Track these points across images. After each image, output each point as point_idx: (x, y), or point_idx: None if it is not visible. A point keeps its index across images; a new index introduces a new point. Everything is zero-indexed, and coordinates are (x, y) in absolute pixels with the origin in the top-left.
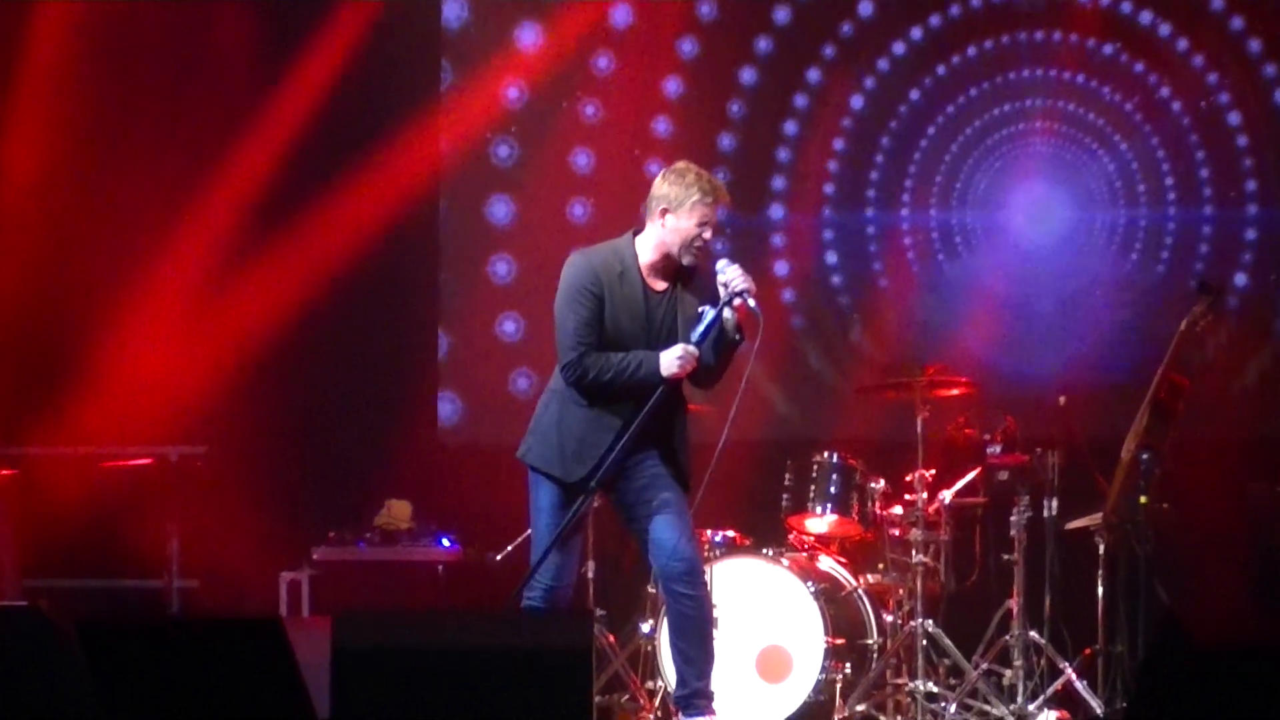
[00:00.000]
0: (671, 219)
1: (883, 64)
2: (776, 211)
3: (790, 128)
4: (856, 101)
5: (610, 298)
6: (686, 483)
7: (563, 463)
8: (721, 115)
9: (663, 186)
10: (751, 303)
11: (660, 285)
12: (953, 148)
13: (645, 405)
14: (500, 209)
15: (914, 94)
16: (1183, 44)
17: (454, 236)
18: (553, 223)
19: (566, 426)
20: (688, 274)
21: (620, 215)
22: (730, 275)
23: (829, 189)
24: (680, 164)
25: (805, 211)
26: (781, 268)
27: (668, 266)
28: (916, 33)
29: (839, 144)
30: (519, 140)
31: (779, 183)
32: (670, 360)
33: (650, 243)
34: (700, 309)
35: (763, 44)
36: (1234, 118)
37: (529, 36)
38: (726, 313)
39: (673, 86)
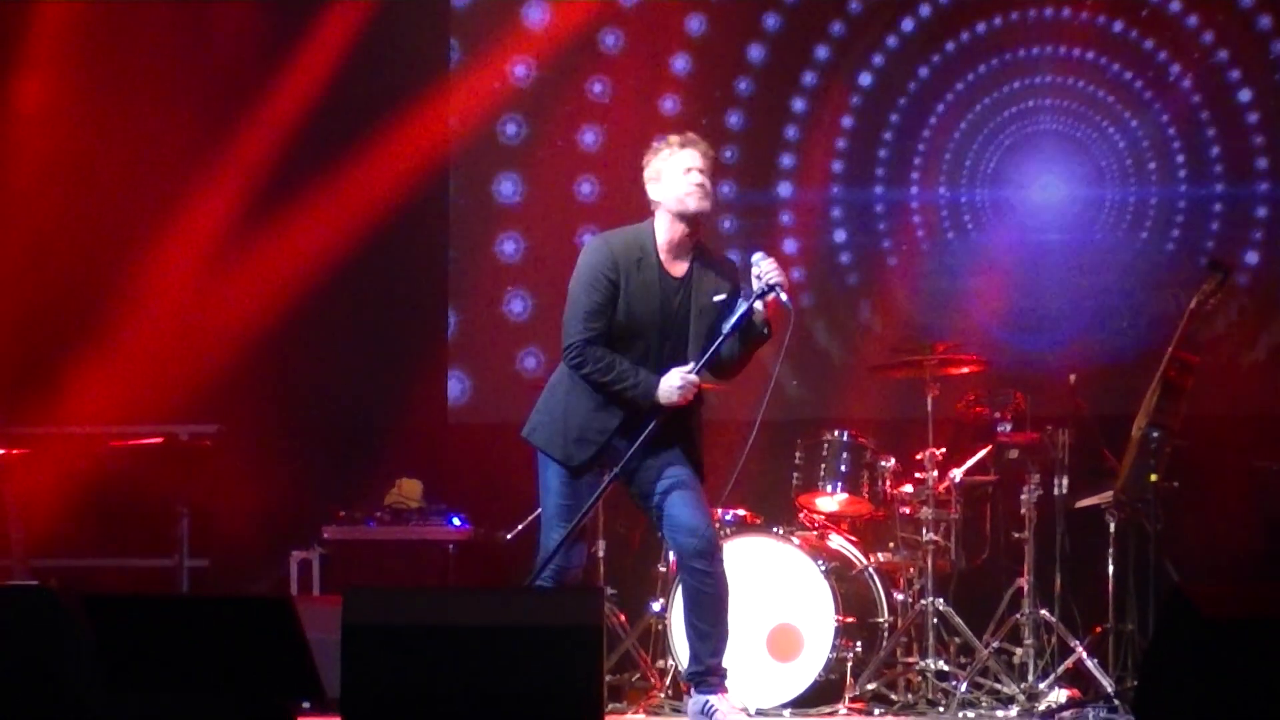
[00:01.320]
0: (660, 186)
1: (891, 41)
2: (785, 189)
3: (798, 105)
4: (865, 79)
5: (626, 284)
6: (700, 462)
7: (565, 447)
8: (730, 93)
9: (645, 166)
10: (784, 297)
11: (679, 270)
12: (961, 125)
13: (642, 430)
14: (508, 187)
15: (923, 71)
16: (1192, 20)
17: (462, 215)
18: (561, 201)
19: (572, 410)
20: (705, 257)
21: (628, 194)
22: (765, 269)
23: (837, 166)
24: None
25: (814, 189)
26: (790, 245)
27: (685, 244)
28: (925, 9)
29: (847, 121)
30: (527, 119)
31: (787, 160)
32: (670, 389)
33: (662, 223)
34: (718, 298)
35: (771, 21)
36: (1244, 94)
37: (536, 14)
38: (758, 305)
39: (681, 64)
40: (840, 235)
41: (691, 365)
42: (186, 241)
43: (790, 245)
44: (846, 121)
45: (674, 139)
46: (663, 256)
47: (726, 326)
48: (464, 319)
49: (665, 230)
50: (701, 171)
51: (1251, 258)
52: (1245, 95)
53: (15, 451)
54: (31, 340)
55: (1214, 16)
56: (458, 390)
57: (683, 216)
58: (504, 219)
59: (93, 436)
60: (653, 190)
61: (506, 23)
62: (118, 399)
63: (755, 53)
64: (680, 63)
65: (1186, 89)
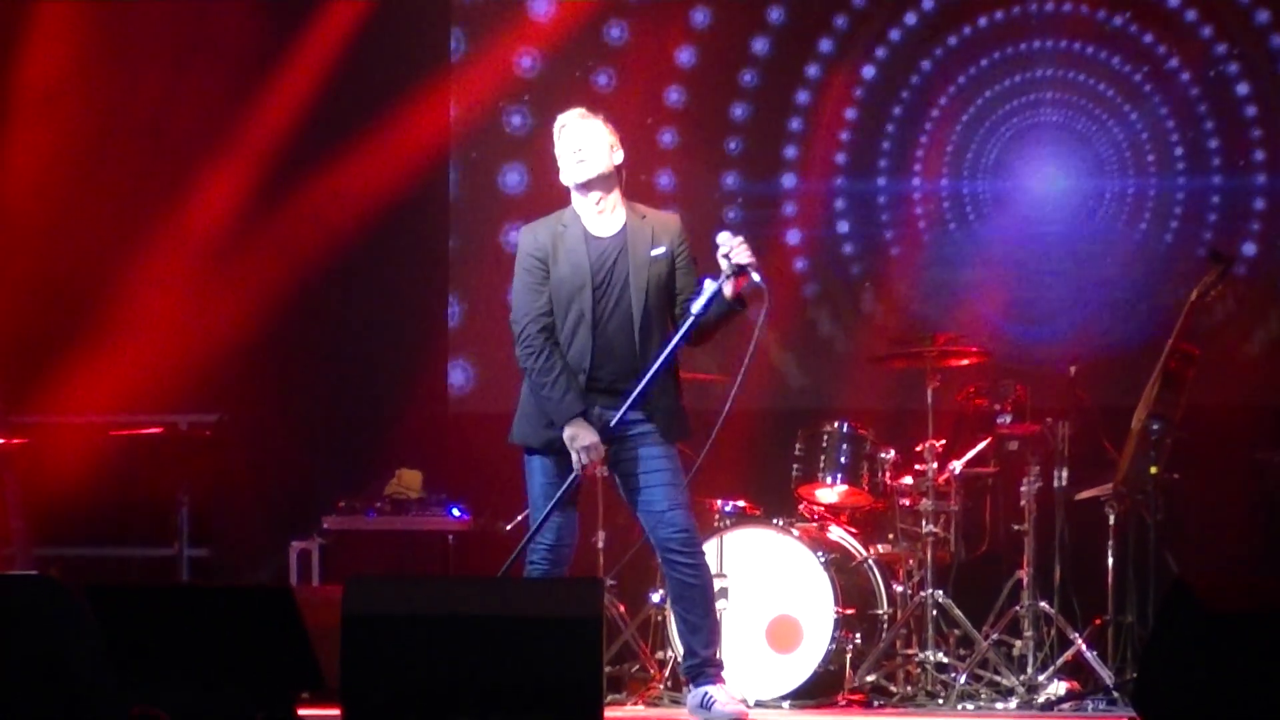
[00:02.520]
0: (559, 166)
1: (894, 34)
2: (789, 180)
3: (802, 97)
4: (868, 71)
5: (554, 256)
6: (680, 438)
7: (541, 434)
8: (734, 85)
9: None
10: (756, 277)
11: (607, 230)
12: (964, 117)
13: (566, 484)
14: (514, 178)
15: (925, 64)
16: (1191, 14)
17: (468, 205)
18: (565, 191)
19: (537, 398)
20: (638, 214)
21: (631, 183)
22: (734, 248)
23: (841, 158)
24: None
25: (817, 180)
26: (794, 236)
27: (607, 207)
28: (928, 3)
29: (851, 113)
30: (533, 110)
31: (791, 151)
32: (571, 438)
33: (574, 195)
34: (655, 252)
35: (775, 14)
36: (1243, 88)
37: (542, 7)
38: (726, 286)
39: (685, 56)
40: (844, 226)
41: (596, 437)
42: (186, 232)
43: (794, 236)
44: (850, 113)
45: (561, 116)
46: (586, 223)
47: (695, 308)
48: (468, 308)
49: (580, 199)
50: (578, 142)
51: (1249, 249)
52: (1243, 89)
53: (16, 441)
54: (32, 330)
55: (1213, 11)
56: (461, 379)
57: (577, 188)
58: (510, 209)
59: (93, 426)
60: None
61: (513, 15)
62: (118, 388)
63: (759, 45)
64: (685, 55)
65: (1185, 82)
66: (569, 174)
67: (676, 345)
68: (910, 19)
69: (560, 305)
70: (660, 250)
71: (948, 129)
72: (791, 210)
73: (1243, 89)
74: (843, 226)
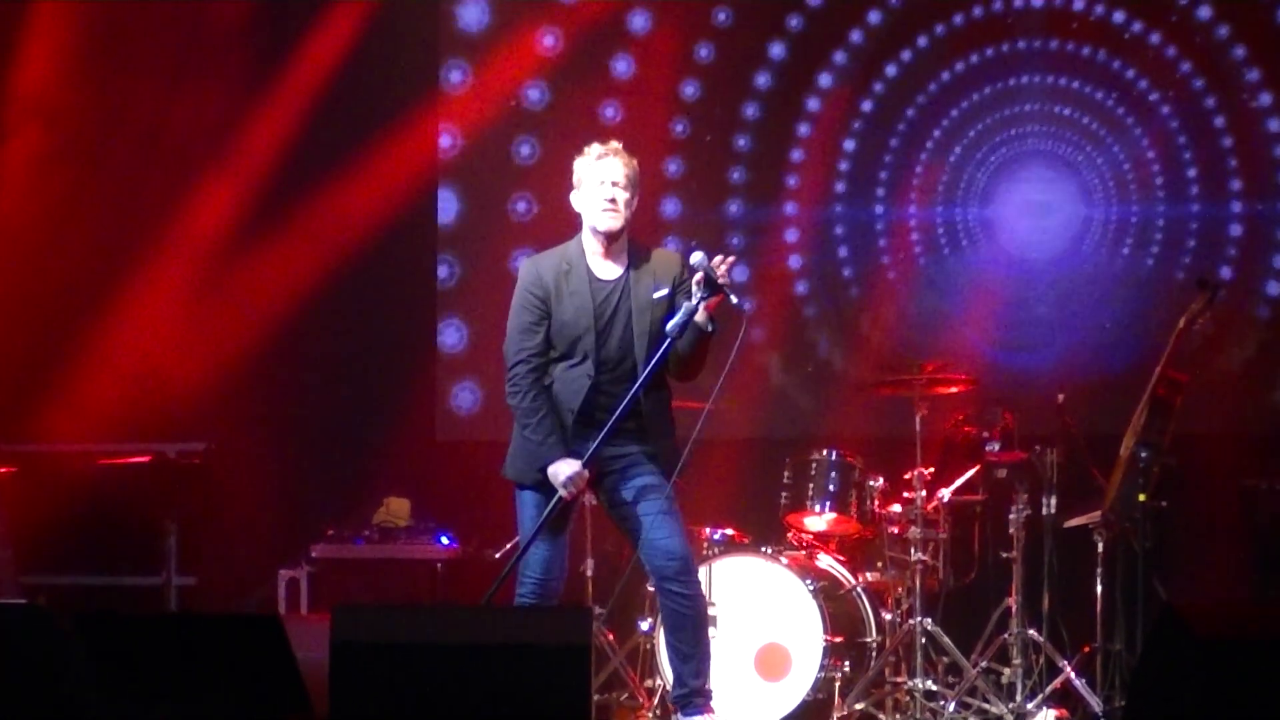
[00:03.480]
0: (579, 195)
1: (891, 69)
2: (790, 208)
3: (803, 129)
4: (866, 105)
5: (557, 296)
6: (672, 469)
7: (529, 471)
8: (737, 116)
9: (573, 175)
10: (734, 299)
11: (611, 272)
12: (956, 149)
13: (549, 507)
14: (522, 205)
15: (920, 98)
16: (1171, 51)
17: (477, 233)
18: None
19: (521, 437)
20: (641, 255)
21: (638, 211)
22: (707, 269)
23: (840, 186)
24: None
25: (817, 207)
26: (795, 261)
27: (614, 249)
28: (923, 40)
29: (849, 144)
30: (540, 140)
31: (792, 180)
32: (555, 474)
33: (585, 232)
34: (658, 294)
35: (776, 49)
36: (1219, 120)
37: (549, 40)
38: (700, 307)
39: (690, 90)
40: (843, 251)
41: (580, 463)
42: (174, 261)
43: (795, 261)
44: (849, 144)
45: (599, 146)
46: (590, 262)
47: (671, 328)
48: (474, 331)
49: (590, 240)
50: (616, 185)
51: (1225, 273)
52: (1220, 121)
53: (3, 469)
54: (20, 358)
55: (1192, 47)
56: (469, 401)
57: (596, 231)
58: (518, 235)
59: (81, 454)
60: (574, 197)
61: (520, 47)
62: (106, 416)
63: (762, 79)
64: (690, 88)
65: (1166, 115)
66: (597, 218)
67: (655, 366)
68: (906, 55)
69: (561, 346)
70: (663, 292)
71: (941, 159)
72: (793, 236)
73: (1219, 121)
74: (843, 251)
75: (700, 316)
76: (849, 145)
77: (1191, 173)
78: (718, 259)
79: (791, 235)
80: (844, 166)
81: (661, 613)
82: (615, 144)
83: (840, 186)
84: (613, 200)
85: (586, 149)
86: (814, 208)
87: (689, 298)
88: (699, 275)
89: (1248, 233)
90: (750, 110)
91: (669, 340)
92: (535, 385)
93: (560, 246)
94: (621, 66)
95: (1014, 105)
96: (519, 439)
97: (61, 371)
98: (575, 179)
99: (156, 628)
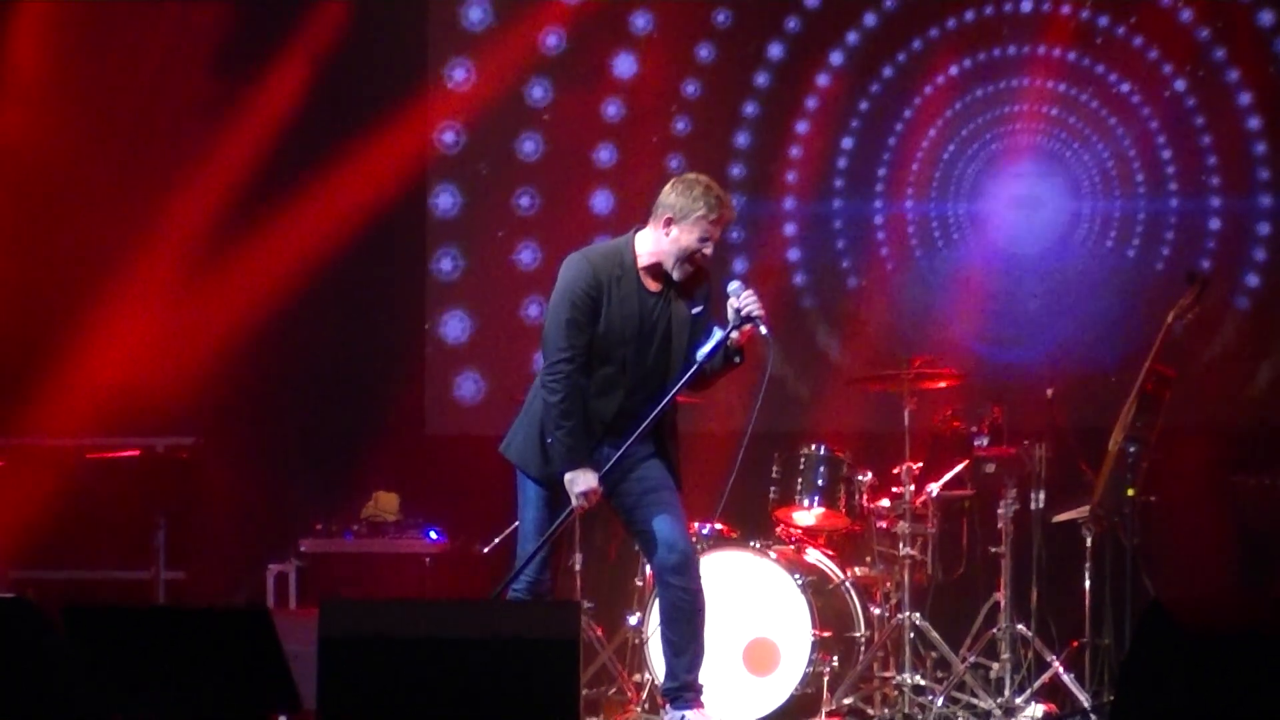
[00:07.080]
0: (675, 230)
1: (888, 70)
2: (789, 203)
3: (801, 127)
4: (863, 105)
5: (607, 300)
6: (678, 476)
7: (538, 462)
8: (737, 114)
9: (670, 195)
10: (763, 330)
11: (655, 285)
12: (950, 146)
13: (627, 438)
14: (525, 200)
15: (916, 99)
16: (1153, 53)
17: (482, 225)
18: (576, 214)
19: (545, 424)
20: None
21: (641, 208)
22: (743, 301)
23: (839, 182)
24: (691, 175)
25: (814, 203)
26: (793, 254)
27: (662, 268)
28: (917, 43)
29: (847, 142)
30: (544, 137)
31: (791, 176)
32: (571, 482)
33: (649, 246)
34: (695, 310)
35: (775, 50)
36: (1199, 119)
37: (553, 40)
38: (734, 334)
39: (691, 88)
40: (841, 243)
41: (597, 477)
42: (163, 254)
43: (793, 254)
44: (846, 142)
45: (715, 198)
46: (640, 273)
47: (700, 355)
48: (480, 324)
49: (648, 256)
50: (714, 243)
51: (1205, 266)
52: (1200, 120)
53: None
54: (8, 352)
55: (1173, 50)
56: (472, 390)
57: (656, 261)
58: (521, 229)
59: (69, 448)
60: (662, 221)
61: (523, 46)
62: (94, 411)
63: (761, 79)
64: (691, 87)
65: (1146, 115)
66: (675, 266)
67: (680, 388)
68: (901, 57)
69: (600, 352)
70: (699, 309)
71: (934, 155)
72: (791, 230)
73: (1199, 120)
74: (840, 244)
75: (732, 345)
76: (846, 143)
77: (1171, 170)
78: (748, 293)
79: (790, 229)
80: (842, 164)
81: (660, 606)
82: (728, 200)
83: (839, 182)
84: (705, 258)
85: (709, 193)
86: (811, 203)
87: (721, 326)
88: (733, 303)
89: (1227, 227)
90: (749, 109)
91: (698, 365)
92: (575, 385)
93: (609, 247)
94: (624, 65)
95: (1007, 106)
96: (533, 427)
97: (50, 365)
98: (679, 210)
99: (145, 621)
